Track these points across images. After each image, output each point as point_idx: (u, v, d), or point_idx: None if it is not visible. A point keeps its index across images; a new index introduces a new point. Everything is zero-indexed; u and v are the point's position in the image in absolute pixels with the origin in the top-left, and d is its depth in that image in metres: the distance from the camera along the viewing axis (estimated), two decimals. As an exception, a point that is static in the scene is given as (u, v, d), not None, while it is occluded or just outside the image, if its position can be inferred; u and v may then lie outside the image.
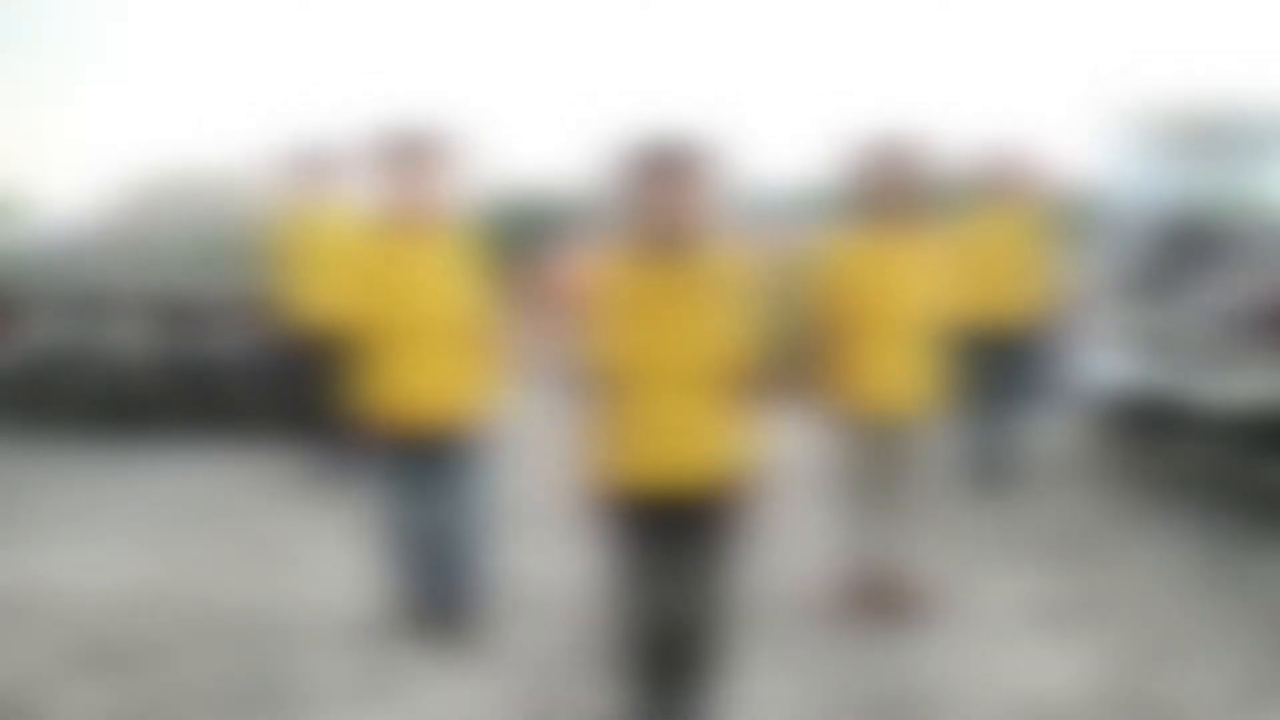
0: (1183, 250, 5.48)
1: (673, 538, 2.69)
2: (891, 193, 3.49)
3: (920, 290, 3.56)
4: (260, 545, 4.50)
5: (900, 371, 3.59)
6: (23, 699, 3.14)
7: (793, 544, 4.45)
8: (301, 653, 3.44)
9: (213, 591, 3.98)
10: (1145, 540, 4.43)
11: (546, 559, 4.31)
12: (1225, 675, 3.23)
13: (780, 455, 5.87)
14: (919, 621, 3.63)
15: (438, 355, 3.29)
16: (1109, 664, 3.31)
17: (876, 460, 3.68)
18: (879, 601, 3.75)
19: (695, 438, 2.60)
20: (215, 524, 4.79)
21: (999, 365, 5.11)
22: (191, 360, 6.60)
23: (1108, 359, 5.58)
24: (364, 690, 3.18)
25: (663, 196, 2.52)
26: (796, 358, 3.47)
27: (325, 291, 5.16)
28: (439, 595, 3.54)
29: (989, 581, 4.00)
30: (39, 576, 4.15)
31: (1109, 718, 2.98)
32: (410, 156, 3.21)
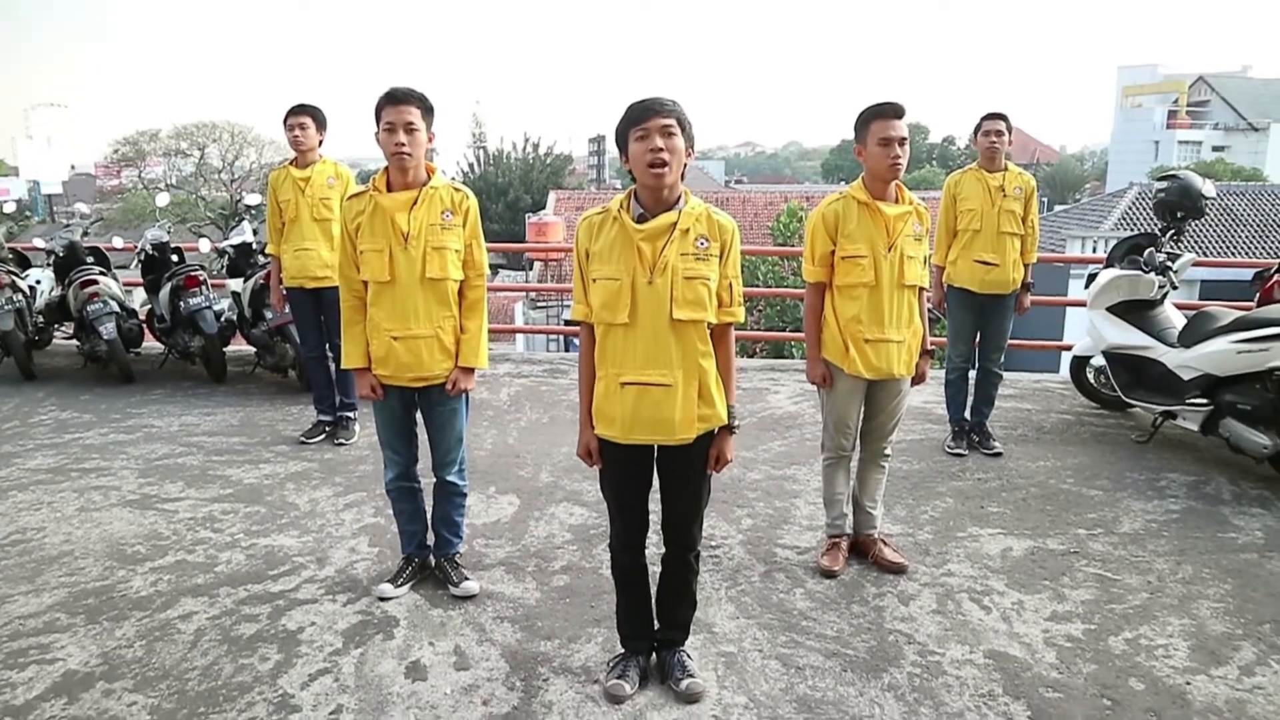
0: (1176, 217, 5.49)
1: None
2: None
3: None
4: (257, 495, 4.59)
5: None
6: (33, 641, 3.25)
7: (789, 497, 4.54)
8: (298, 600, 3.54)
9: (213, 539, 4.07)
10: (1130, 499, 4.51)
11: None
12: (1196, 629, 3.32)
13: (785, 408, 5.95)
14: (901, 574, 3.71)
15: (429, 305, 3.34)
16: (1086, 618, 3.40)
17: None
18: (863, 555, 3.84)
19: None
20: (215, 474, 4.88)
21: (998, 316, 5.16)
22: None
23: (1102, 321, 5.62)
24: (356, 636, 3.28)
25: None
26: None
27: (323, 245, 5.20)
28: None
29: (976, 535, 4.09)
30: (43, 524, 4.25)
31: (1083, 670, 3.07)
32: (398, 114, 3.22)
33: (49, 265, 7.44)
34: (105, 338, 6.62)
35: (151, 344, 7.38)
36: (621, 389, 2.68)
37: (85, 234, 7.54)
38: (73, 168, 56.59)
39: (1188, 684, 2.99)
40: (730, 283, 2.72)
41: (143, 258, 7.10)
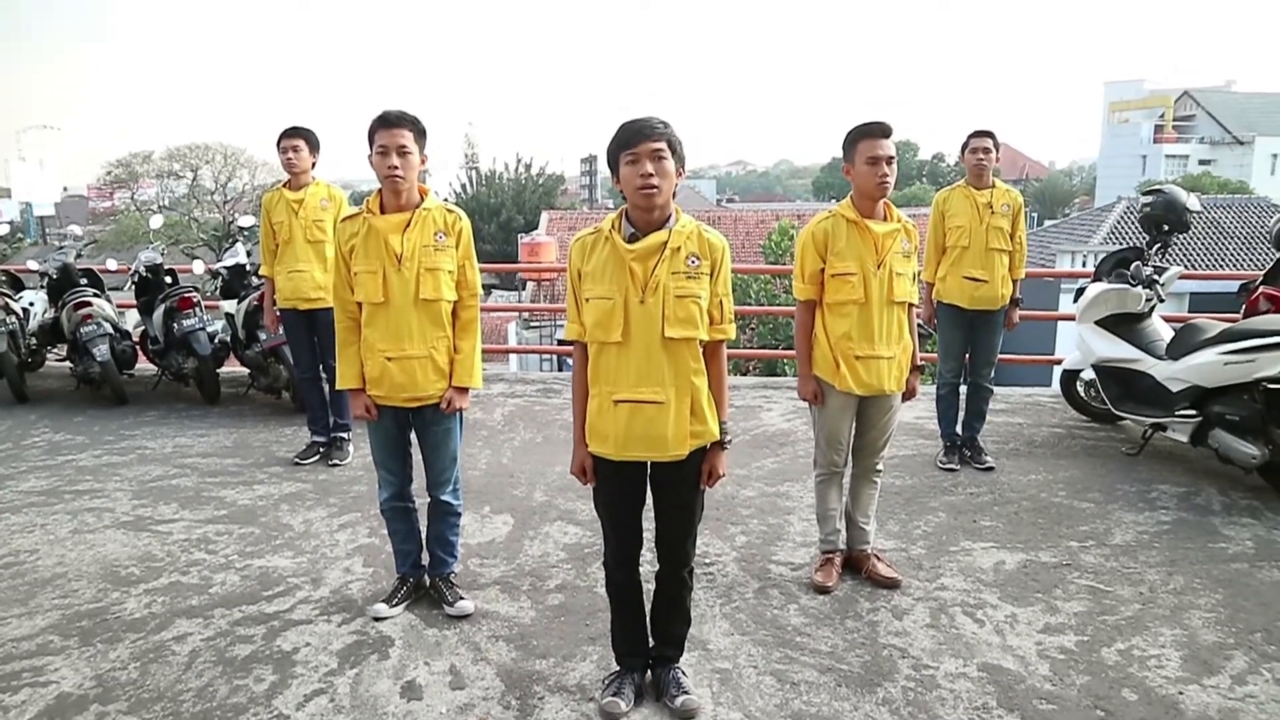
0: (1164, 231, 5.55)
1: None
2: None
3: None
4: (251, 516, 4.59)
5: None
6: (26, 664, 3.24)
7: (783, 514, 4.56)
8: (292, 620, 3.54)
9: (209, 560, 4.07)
10: (1121, 511, 4.54)
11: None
12: (1188, 640, 3.34)
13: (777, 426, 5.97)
14: (895, 589, 3.73)
15: (423, 325, 3.36)
16: (1079, 630, 3.42)
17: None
18: (857, 570, 3.85)
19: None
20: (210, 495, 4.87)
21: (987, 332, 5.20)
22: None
23: (1090, 335, 5.66)
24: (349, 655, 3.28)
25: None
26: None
27: (316, 266, 5.22)
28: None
29: (968, 549, 4.11)
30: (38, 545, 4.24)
31: (1076, 682, 3.09)
32: (391, 137, 3.25)
33: (42, 287, 7.45)
34: (99, 359, 6.62)
35: (145, 366, 7.38)
36: (615, 406, 2.71)
37: (79, 256, 7.54)
38: (65, 190, 56.59)
39: (1180, 694, 3.00)
40: (721, 300, 2.75)
41: (136, 279, 7.11)
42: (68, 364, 7.24)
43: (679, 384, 2.70)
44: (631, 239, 2.67)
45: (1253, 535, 4.24)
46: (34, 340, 7.33)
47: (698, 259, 2.69)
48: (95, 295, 7.02)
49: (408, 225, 3.32)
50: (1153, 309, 5.56)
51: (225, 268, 6.75)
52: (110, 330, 6.79)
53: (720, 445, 2.80)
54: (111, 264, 7.86)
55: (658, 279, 2.65)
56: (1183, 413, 5.02)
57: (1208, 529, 4.32)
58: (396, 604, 3.58)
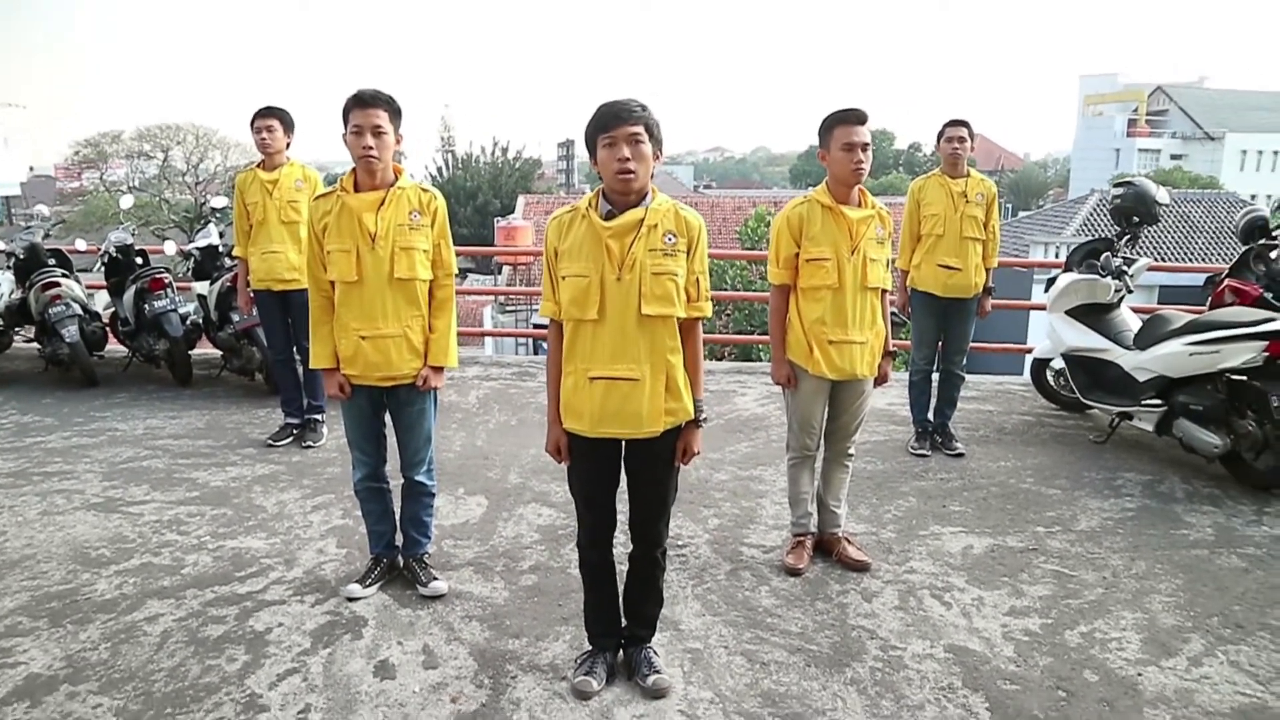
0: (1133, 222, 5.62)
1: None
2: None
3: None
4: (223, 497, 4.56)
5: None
6: (-10, 643, 3.22)
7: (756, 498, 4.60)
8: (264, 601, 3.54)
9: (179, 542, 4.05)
10: (1087, 498, 4.62)
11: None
12: (1148, 623, 3.42)
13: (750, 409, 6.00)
14: (864, 572, 3.78)
15: (397, 305, 3.36)
16: (1043, 613, 3.48)
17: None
18: (827, 553, 3.90)
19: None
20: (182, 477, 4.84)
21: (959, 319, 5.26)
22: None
23: (1060, 324, 5.74)
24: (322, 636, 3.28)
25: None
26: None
27: (290, 248, 5.19)
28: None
29: (937, 533, 4.17)
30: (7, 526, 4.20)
31: (1039, 663, 3.15)
32: (365, 117, 3.24)
33: (9, 267, 7.32)
34: (68, 340, 6.54)
35: (115, 347, 7.29)
36: (590, 383, 2.72)
37: (46, 235, 7.43)
38: (31, 169, 55.54)
39: (1139, 675, 3.08)
40: (697, 278, 2.77)
41: (106, 260, 7.02)
42: (35, 345, 7.15)
43: (654, 361, 2.71)
44: (608, 216, 2.68)
45: (1213, 523, 4.33)
46: (1, 321, 7.23)
47: (674, 236, 2.70)
48: (64, 276, 6.92)
49: (382, 204, 3.31)
50: (1122, 299, 5.65)
51: (198, 249, 6.67)
52: (79, 311, 6.71)
53: (695, 423, 2.82)
54: (80, 244, 7.75)
55: (634, 256, 2.66)
56: (1149, 402, 5.11)
57: (1170, 516, 4.41)
58: (370, 584, 3.58)
